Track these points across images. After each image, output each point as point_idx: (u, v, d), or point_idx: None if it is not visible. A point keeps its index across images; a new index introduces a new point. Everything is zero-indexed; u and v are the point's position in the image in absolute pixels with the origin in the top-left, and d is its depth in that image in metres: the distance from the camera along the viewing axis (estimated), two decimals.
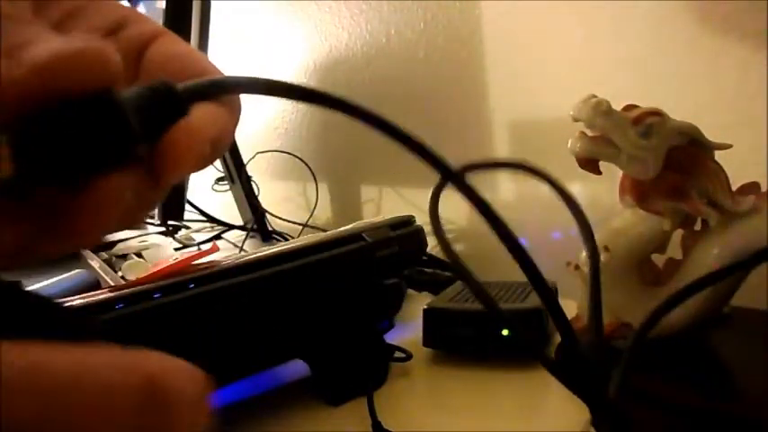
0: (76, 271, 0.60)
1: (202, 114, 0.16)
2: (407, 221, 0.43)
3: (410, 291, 0.55)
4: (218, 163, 0.88)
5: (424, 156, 0.19)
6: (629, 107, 0.35)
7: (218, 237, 0.86)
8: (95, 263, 0.68)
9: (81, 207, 0.13)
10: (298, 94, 0.17)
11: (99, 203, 0.13)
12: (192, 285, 0.32)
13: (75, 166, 0.13)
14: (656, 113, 0.34)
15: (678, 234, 0.36)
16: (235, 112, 0.18)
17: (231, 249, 0.77)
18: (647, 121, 0.33)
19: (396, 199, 0.81)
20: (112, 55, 0.13)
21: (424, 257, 0.60)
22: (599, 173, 0.34)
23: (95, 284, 0.58)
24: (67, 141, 0.12)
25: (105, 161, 0.13)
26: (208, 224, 0.95)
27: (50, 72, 0.12)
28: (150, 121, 0.14)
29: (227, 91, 0.17)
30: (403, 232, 0.41)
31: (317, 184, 0.87)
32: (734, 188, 0.34)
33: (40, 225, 0.14)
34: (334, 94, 0.17)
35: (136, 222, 0.16)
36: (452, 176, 0.20)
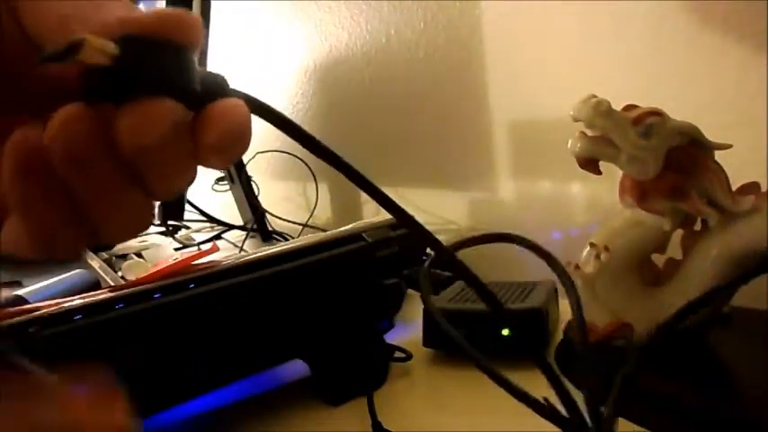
0: (76, 271, 0.60)
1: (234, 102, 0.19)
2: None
3: (410, 291, 0.55)
4: None
5: (416, 232, 0.23)
6: (629, 107, 0.35)
7: (218, 237, 0.86)
8: (95, 263, 0.68)
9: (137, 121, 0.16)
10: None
11: (153, 118, 0.16)
12: (192, 285, 0.32)
13: (154, 80, 0.16)
14: (656, 113, 0.34)
15: (678, 234, 0.36)
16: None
17: (231, 249, 0.77)
18: (647, 121, 0.33)
19: (396, 199, 0.81)
20: (198, 22, 0.18)
21: (424, 257, 0.60)
22: (599, 173, 0.34)
23: (95, 284, 0.58)
24: (158, 59, 0.17)
25: (174, 86, 0.17)
26: (208, 224, 0.95)
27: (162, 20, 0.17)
28: (204, 91, 0.18)
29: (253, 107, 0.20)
30: (403, 232, 0.41)
31: (316, 184, 0.87)
32: (734, 188, 0.34)
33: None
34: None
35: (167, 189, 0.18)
36: (445, 253, 0.23)
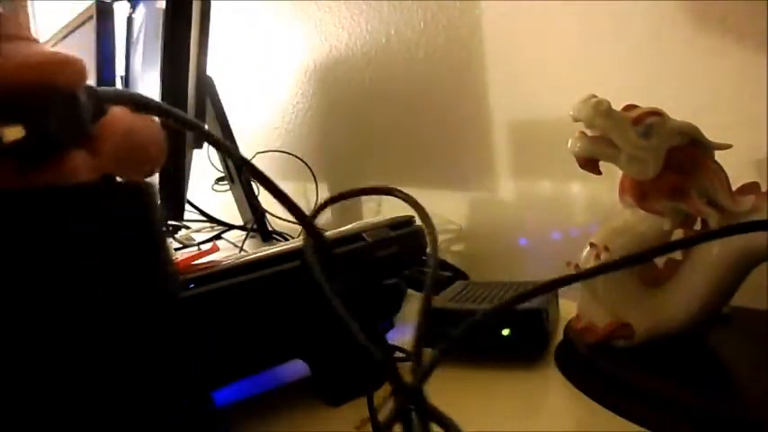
0: None
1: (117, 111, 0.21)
2: (407, 221, 0.43)
3: (410, 291, 0.55)
4: (218, 163, 0.88)
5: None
6: (629, 107, 0.35)
7: (218, 237, 0.86)
8: None
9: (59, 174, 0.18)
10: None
11: (73, 168, 0.19)
12: (192, 285, 0.32)
13: (61, 136, 0.18)
14: (656, 113, 0.34)
15: (678, 234, 0.36)
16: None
17: (231, 249, 0.77)
18: (647, 121, 0.33)
19: (396, 199, 0.81)
20: (82, 64, 0.19)
21: (424, 257, 0.60)
22: (599, 173, 0.34)
23: None
24: (59, 119, 0.18)
25: (78, 133, 0.19)
26: (208, 224, 0.95)
27: (48, 68, 0.18)
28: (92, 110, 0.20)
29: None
30: (403, 232, 0.41)
31: (316, 184, 0.87)
32: (734, 188, 0.34)
33: None
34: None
35: None
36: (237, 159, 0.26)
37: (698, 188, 0.34)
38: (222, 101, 0.83)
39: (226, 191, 0.91)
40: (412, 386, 0.24)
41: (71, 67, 0.19)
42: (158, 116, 0.22)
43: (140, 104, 0.21)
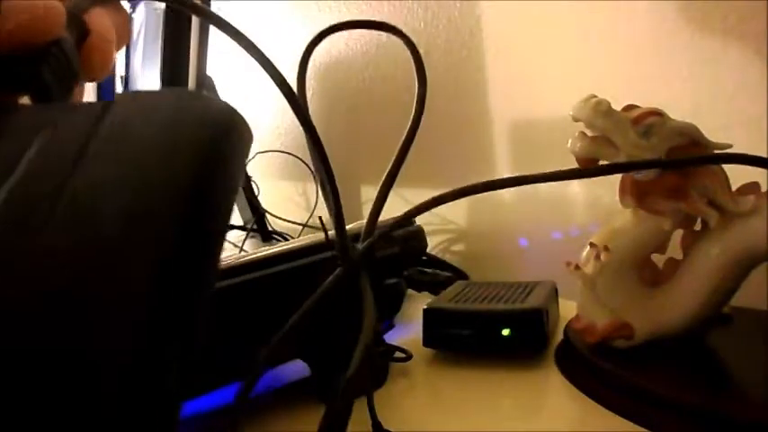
0: None
1: (99, 21, 0.23)
2: (407, 222, 0.43)
3: (410, 291, 0.55)
4: None
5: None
6: (629, 107, 0.35)
7: None
8: None
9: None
10: None
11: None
12: None
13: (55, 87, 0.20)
14: (656, 113, 0.34)
15: (678, 234, 0.36)
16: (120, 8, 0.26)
17: (231, 249, 0.77)
18: (647, 121, 0.33)
19: (396, 199, 0.81)
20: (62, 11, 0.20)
21: (424, 257, 0.61)
22: None
23: None
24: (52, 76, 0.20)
25: (70, 78, 0.21)
26: None
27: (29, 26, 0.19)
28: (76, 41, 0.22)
29: None
30: (403, 232, 0.41)
31: (317, 185, 0.87)
32: (734, 188, 0.34)
33: None
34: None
35: None
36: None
37: (698, 188, 0.34)
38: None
39: None
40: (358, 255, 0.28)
41: (53, 16, 0.20)
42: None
43: None
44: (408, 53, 0.33)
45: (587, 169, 0.31)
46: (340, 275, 0.27)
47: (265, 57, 0.24)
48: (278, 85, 0.24)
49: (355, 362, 0.22)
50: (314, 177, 0.86)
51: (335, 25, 0.31)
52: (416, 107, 0.32)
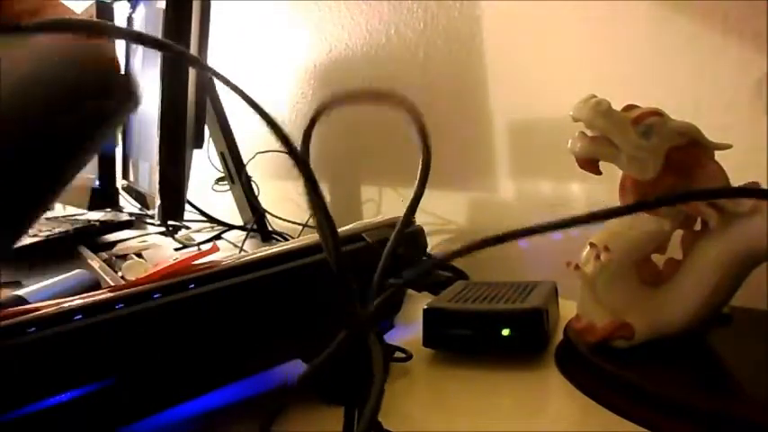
0: (77, 271, 0.60)
1: None
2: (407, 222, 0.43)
3: (410, 291, 0.55)
4: (218, 163, 0.88)
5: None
6: (629, 107, 0.35)
7: (218, 237, 0.86)
8: (95, 263, 0.68)
9: None
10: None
11: None
12: (192, 285, 0.32)
13: None
14: (656, 113, 0.34)
15: (678, 234, 0.36)
16: None
17: (231, 249, 0.77)
18: (647, 121, 0.33)
19: (396, 199, 0.81)
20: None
21: (424, 258, 0.60)
22: (599, 173, 0.34)
23: (95, 284, 0.58)
24: None
25: None
26: (208, 224, 0.95)
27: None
28: None
29: None
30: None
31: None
32: None
33: None
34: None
35: None
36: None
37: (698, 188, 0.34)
38: (222, 101, 0.83)
39: (226, 191, 0.90)
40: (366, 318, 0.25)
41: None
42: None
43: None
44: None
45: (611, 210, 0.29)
46: (346, 339, 0.26)
47: (265, 113, 0.24)
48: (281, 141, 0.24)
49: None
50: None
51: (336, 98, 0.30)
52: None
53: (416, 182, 0.31)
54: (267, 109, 0.22)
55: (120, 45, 0.98)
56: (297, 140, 0.31)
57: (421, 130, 0.28)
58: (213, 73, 0.24)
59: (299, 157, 0.23)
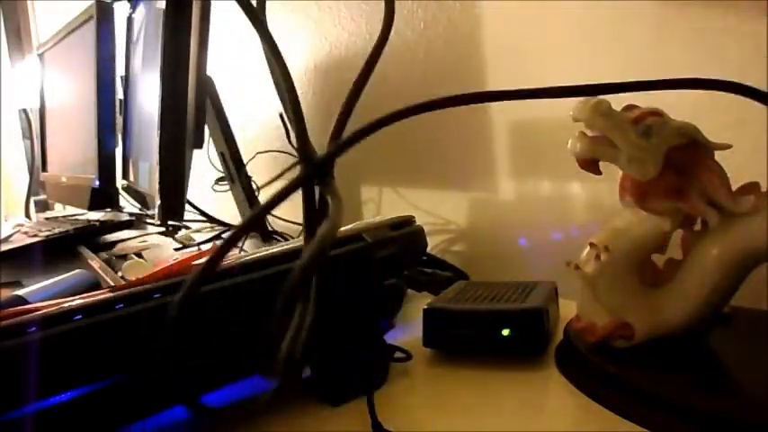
0: (76, 271, 0.60)
1: None
2: (407, 221, 0.43)
3: (410, 291, 0.55)
4: (217, 163, 0.88)
5: None
6: (629, 107, 0.35)
7: (218, 237, 0.86)
8: (95, 263, 0.68)
9: None
10: None
11: None
12: None
13: None
14: (656, 113, 0.34)
15: (678, 234, 0.36)
16: None
17: (231, 249, 0.76)
18: (647, 122, 0.33)
19: (396, 199, 0.81)
20: None
21: (424, 257, 0.60)
22: (599, 173, 0.34)
23: (95, 284, 0.59)
24: None
25: None
26: (208, 224, 0.95)
27: None
28: None
29: None
30: (403, 232, 0.41)
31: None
32: (734, 188, 0.34)
33: None
34: None
35: None
36: None
37: (698, 188, 0.34)
38: (222, 101, 0.83)
39: (226, 191, 0.90)
40: (320, 159, 0.26)
41: None
42: None
43: None
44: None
45: None
46: (301, 177, 0.27)
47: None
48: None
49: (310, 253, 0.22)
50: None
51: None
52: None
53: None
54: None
55: (120, 46, 0.98)
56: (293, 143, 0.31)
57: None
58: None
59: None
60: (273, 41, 0.25)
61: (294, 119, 0.27)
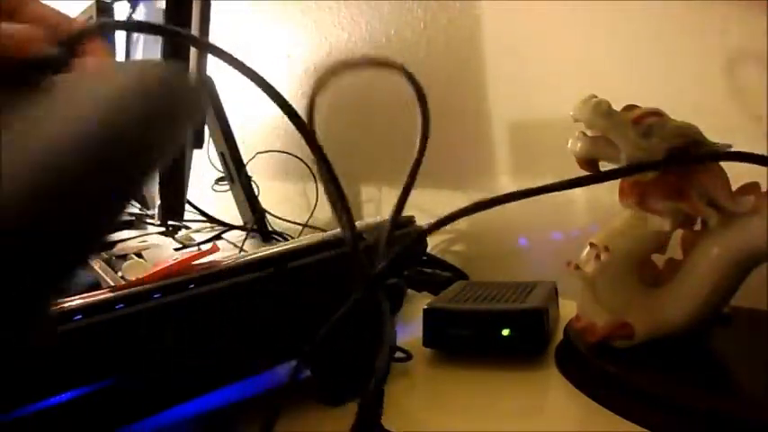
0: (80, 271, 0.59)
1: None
2: (407, 221, 0.43)
3: (410, 291, 0.55)
4: (217, 163, 0.88)
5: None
6: (629, 107, 0.35)
7: (218, 237, 0.86)
8: (95, 263, 0.68)
9: None
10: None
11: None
12: (192, 285, 0.32)
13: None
14: (656, 113, 0.34)
15: (678, 234, 0.36)
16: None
17: (231, 249, 0.77)
18: (647, 121, 0.33)
19: (396, 199, 0.81)
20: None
21: (424, 257, 0.60)
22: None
23: (95, 284, 0.58)
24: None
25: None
26: (208, 224, 0.95)
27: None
28: None
29: None
30: (403, 232, 0.41)
31: (317, 184, 0.87)
32: (734, 188, 0.34)
33: None
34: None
35: None
36: None
37: (698, 188, 0.34)
38: (222, 101, 0.83)
39: (226, 191, 0.90)
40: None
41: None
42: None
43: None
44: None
45: (588, 177, 0.31)
46: (359, 297, 0.27)
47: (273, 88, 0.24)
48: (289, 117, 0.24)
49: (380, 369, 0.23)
50: (314, 178, 0.86)
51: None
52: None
53: (416, 150, 0.32)
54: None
55: (120, 40, 0.98)
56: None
57: (420, 97, 0.29)
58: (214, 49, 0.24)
59: (306, 129, 0.24)
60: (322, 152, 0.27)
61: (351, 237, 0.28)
